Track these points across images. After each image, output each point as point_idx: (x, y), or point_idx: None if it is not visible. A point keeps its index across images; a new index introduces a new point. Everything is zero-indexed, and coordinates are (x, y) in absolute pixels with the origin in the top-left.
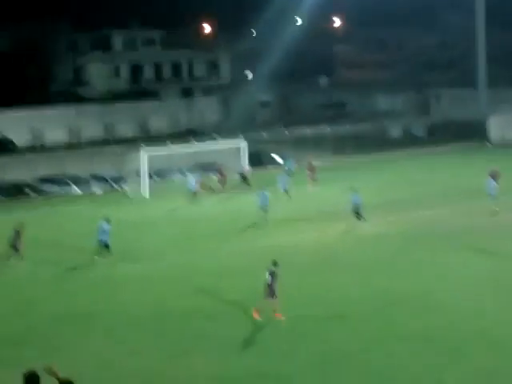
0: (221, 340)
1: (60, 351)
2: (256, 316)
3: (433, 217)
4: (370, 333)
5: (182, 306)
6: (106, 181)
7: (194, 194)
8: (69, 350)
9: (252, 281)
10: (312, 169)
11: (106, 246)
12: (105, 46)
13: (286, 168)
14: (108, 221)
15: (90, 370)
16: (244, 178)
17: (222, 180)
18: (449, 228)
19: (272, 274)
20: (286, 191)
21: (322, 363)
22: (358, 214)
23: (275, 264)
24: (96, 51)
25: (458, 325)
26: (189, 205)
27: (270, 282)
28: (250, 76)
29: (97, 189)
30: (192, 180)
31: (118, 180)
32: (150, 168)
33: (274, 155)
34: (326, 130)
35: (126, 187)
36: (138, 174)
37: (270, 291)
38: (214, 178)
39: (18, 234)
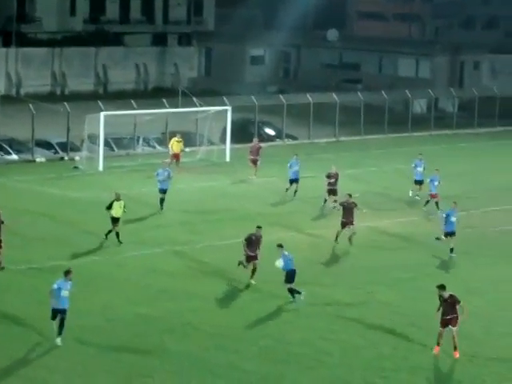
0: None
1: None
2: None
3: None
4: None
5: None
6: (51, 146)
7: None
8: None
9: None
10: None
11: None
12: None
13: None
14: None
15: None
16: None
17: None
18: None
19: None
20: None
21: None
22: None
23: None
24: None
25: None
26: (146, 185)
27: None
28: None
29: (39, 156)
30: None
31: (66, 146)
32: (107, 134)
33: (266, 128)
34: (332, 98)
35: (76, 156)
36: (91, 140)
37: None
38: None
39: None
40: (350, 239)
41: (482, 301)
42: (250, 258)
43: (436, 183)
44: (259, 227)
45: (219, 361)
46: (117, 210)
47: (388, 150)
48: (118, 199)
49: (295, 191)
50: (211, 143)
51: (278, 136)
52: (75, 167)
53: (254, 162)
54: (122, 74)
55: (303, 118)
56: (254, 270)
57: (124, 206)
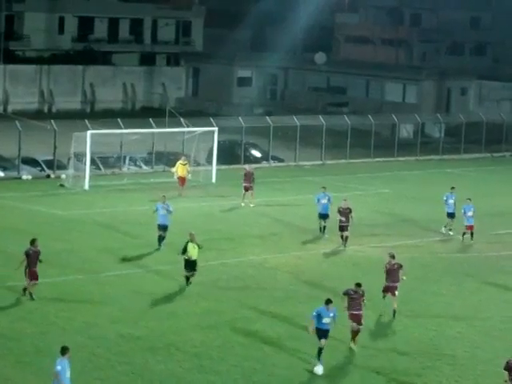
0: None
1: None
2: None
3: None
4: None
5: (118, 333)
6: (38, 164)
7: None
8: None
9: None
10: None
11: None
12: None
13: None
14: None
15: None
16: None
17: None
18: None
19: None
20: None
21: None
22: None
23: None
24: None
25: None
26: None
27: None
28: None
29: (25, 173)
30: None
31: (52, 164)
32: (93, 153)
33: (253, 150)
34: (319, 121)
35: (62, 174)
36: (78, 158)
37: None
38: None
39: None
40: (394, 312)
41: (466, 326)
42: (354, 317)
43: (470, 213)
44: (359, 285)
45: (202, 382)
46: (193, 252)
47: (374, 175)
48: (192, 240)
49: (324, 227)
50: (197, 164)
51: (265, 158)
52: (61, 185)
53: (248, 188)
54: (110, 93)
55: (290, 141)
56: (357, 332)
57: (198, 246)
